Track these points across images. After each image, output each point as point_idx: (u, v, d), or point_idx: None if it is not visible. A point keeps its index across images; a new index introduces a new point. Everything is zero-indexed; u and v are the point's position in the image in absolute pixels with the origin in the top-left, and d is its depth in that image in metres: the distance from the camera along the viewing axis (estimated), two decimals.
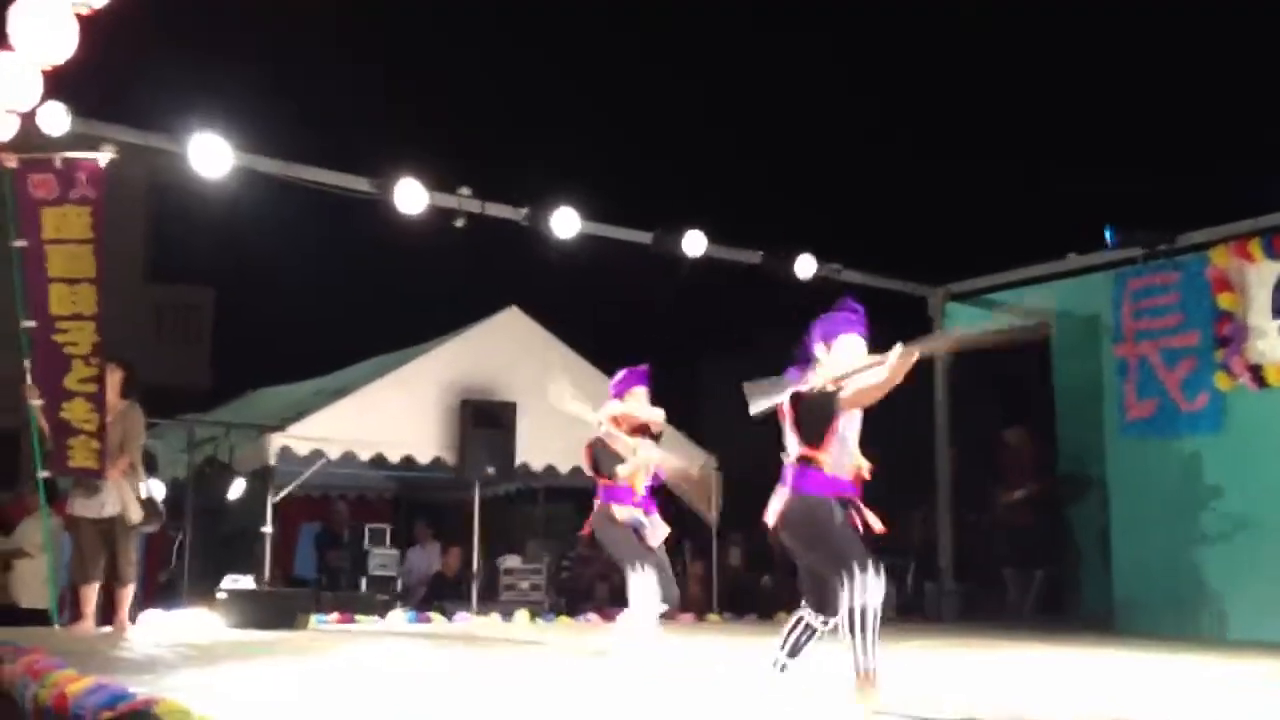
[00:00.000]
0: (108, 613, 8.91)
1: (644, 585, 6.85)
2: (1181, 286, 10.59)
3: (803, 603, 5.06)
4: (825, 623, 4.97)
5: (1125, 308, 11.00)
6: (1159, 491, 10.51)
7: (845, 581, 4.66)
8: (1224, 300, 10.24)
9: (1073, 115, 16.24)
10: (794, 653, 5.04)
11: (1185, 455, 10.38)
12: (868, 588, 4.64)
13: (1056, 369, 12.14)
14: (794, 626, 5.06)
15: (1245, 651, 8.40)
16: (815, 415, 4.96)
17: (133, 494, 8.88)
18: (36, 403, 8.66)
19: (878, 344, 5.07)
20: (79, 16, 6.81)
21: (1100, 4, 16.41)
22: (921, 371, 12.99)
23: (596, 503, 7.24)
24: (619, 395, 7.30)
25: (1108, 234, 11.08)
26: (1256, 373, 9.97)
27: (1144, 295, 10.89)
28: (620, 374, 7.39)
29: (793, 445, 5.02)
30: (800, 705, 4.96)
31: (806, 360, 5.18)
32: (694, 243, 11.59)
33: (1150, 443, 10.65)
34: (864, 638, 4.64)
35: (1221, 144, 13.58)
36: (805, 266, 12.16)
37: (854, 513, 4.98)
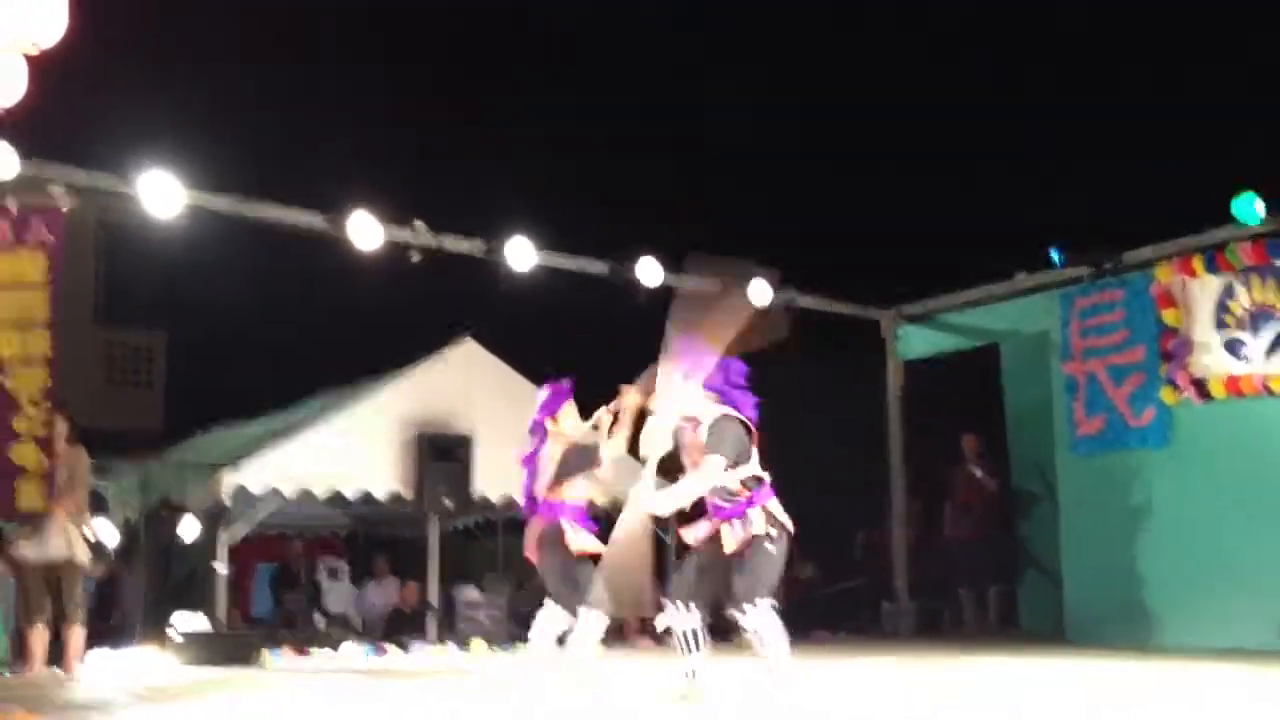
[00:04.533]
0: (58, 655, 8.81)
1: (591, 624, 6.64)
2: (1127, 304, 10.75)
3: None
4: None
5: (1073, 326, 11.14)
6: (1109, 506, 10.63)
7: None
8: (1168, 316, 10.39)
9: (1019, 138, 16.43)
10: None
11: (1134, 470, 10.51)
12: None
13: (1006, 388, 12.32)
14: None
15: (1196, 658, 8.50)
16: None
17: (79, 536, 8.80)
18: None
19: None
20: (26, 58, 6.78)
21: (1045, 28, 16.66)
22: (874, 392, 13.10)
23: (543, 522, 6.77)
24: (551, 415, 6.99)
25: (1054, 254, 11.24)
26: (1201, 386, 10.12)
27: (1091, 313, 11.03)
28: (544, 393, 7.07)
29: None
30: None
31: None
32: (650, 271, 11.63)
33: (1099, 458, 10.78)
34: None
35: (1164, 162, 13.77)
36: (761, 293, 12.21)
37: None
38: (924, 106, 17.63)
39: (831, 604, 13.21)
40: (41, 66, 6.88)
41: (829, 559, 13.88)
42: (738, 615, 5.66)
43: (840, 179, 18.03)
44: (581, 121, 19.51)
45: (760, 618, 5.60)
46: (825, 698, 6.05)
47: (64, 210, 8.78)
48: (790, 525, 5.79)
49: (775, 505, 5.82)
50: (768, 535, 5.69)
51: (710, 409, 5.87)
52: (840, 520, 14.02)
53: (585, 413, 7.03)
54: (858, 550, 13.98)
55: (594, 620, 6.61)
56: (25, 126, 7.64)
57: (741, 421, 5.80)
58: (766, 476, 5.82)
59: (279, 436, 11.69)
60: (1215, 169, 11.78)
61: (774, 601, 5.70)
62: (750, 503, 5.74)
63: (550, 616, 6.76)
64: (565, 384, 7.11)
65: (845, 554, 14.05)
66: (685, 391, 5.85)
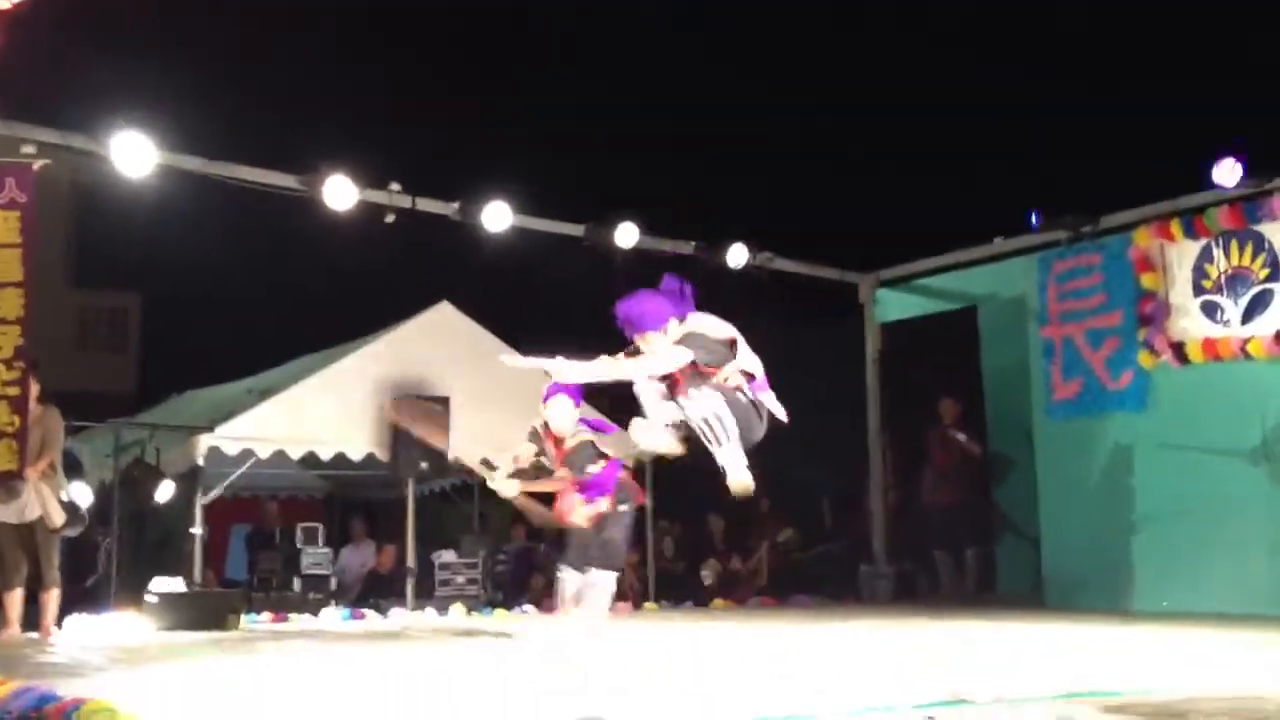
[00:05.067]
0: (33, 619, 8.76)
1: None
2: (1104, 268, 10.75)
3: None
4: None
5: (1050, 290, 11.14)
6: (1086, 470, 10.67)
7: None
8: (1146, 280, 10.40)
9: (995, 102, 16.42)
10: None
11: (1111, 433, 10.54)
12: None
13: (984, 351, 12.32)
14: None
15: (1172, 622, 8.56)
16: None
17: (54, 497, 8.76)
18: None
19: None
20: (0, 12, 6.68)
21: None
22: (851, 357, 13.12)
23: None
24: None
25: (1031, 218, 11.23)
26: (1179, 350, 10.14)
27: (1068, 277, 11.03)
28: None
29: None
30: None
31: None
32: (626, 234, 11.58)
33: (1077, 422, 10.80)
34: None
35: (1141, 126, 13.79)
36: (737, 256, 12.20)
37: None
38: (903, 71, 17.60)
39: (809, 568, 13.26)
40: (12, 23, 6.77)
41: (807, 523, 13.92)
42: None
43: (817, 143, 18.01)
44: (558, 85, 19.42)
45: None
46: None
47: (35, 168, 8.69)
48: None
49: None
50: None
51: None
52: (818, 485, 14.08)
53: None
54: (826, 515, 14.04)
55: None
56: None
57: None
58: None
59: (254, 398, 11.63)
60: (1193, 133, 11.81)
61: None
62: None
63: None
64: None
65: (823, 518, 14.11)
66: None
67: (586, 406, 7.44)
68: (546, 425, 7.23)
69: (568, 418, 7.17)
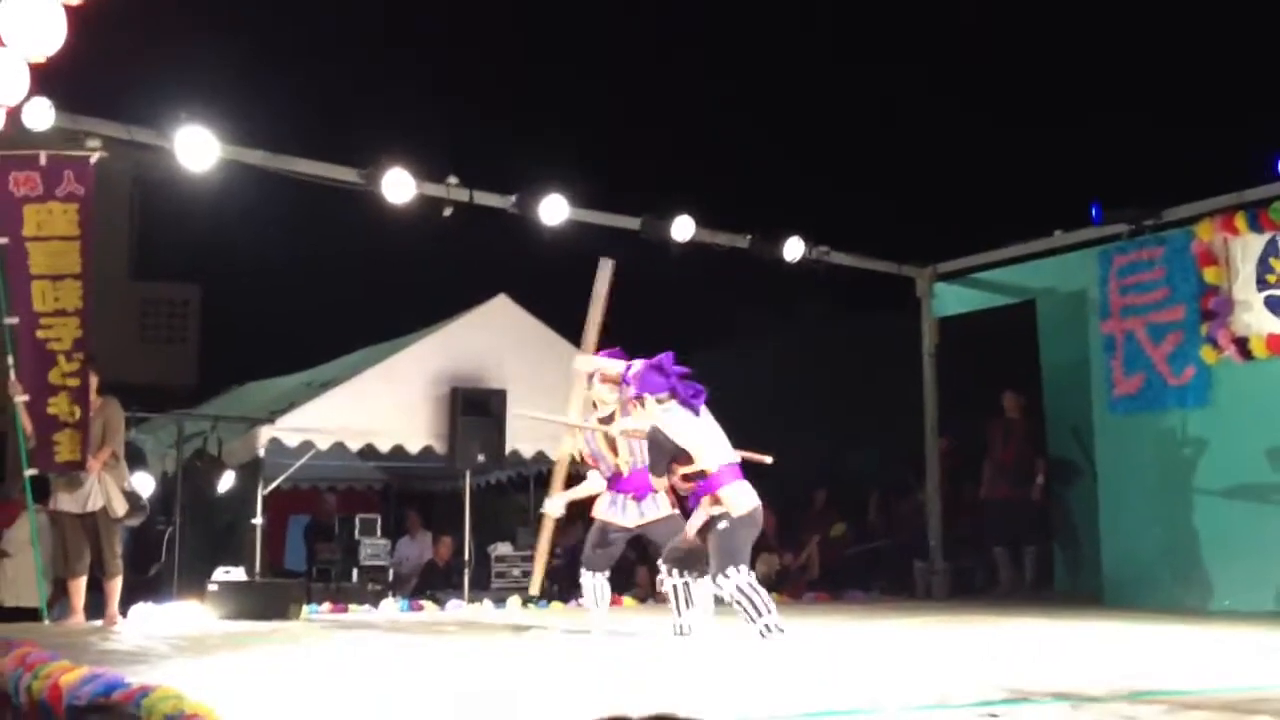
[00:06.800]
0: (97, 606, 8.90)
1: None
2: (1167, 261, 10.60)
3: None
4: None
5: (1111, 284, 11.01)
6: (1147, 466, 10.54)
7: None
8: (1209, 274, 10.25)
9: (1057, 92, 16.26)
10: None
11: (1172, 429, 10.40)
12: None
13: (1043, 346, 12.21)
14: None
15: (1234, 621, 8.45)
16: None
17: (116, 487, 8.88)
18: (21, 399, 8.70)
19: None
20: (66, 8, 6.77)
21: None
22: (909, 350, 13.09)
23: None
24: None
25: (1093, 211, 11.11)
26: (1242, 345, 9.99)
27: (1130, 271, 10.90)
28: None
29: None
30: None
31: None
32: (682, 227, 11.58)
33: (1138, 418, 10.67)
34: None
35: (1205, 117, 13.60)
36: (793, 249, 12.16)
37: None
38: (962, 62, 17.45)
39: (862, 563, 13.20)
40: (81, 17, 6.87)
41: (860, 517, 13.88)
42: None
43: (876, 136, 17.89)
44: (614, 78, 19.42)
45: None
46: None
47: (93, 161, 8.81)
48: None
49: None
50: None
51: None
52: (867, 480, 14.03)
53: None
54: (871, 510, 13.96)
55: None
56: (62, 77, 7.66)
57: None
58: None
59: (313, 390, 11.74)
60: (1259, 124, 11.62)
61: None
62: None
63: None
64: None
65: (868, 513, 14.03)
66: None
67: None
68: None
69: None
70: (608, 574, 7.85)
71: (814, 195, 16.66)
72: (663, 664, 5.99)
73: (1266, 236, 9.97)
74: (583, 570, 7.82)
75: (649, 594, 11.59)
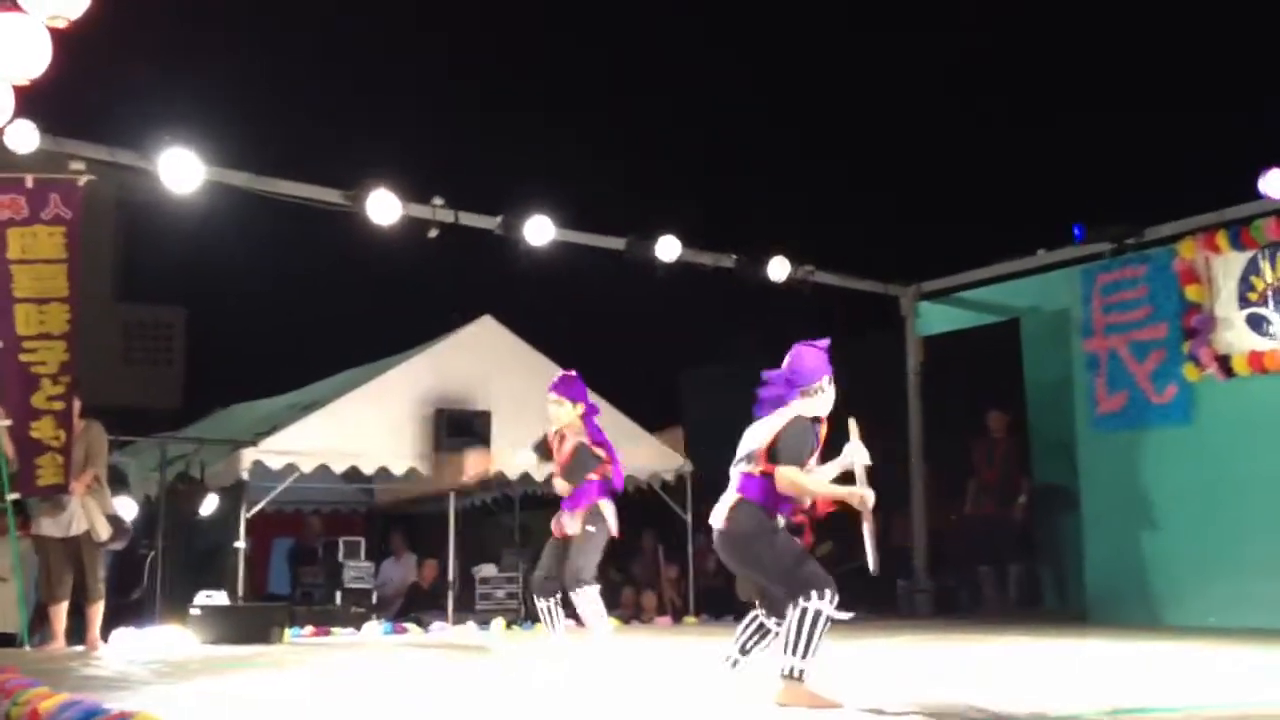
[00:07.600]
0: (79, 631, 8.84)
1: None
2: (1149, 280, 10.66)
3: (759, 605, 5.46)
4: (778, 624, 5.24)
5: (1094, 302, 11.06)
6: (1130, 483, 10.56)
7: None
8: (1191, 292, 10.30)
9: (1040, 113, 16.32)
10: (744, 651, 5.33)
11: (1156, 447, 10.43)
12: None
13: (1027, 364, 12.25)
14: (747, 626, 5.40)
15: (1218, 638, 8.45)
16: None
17: (99, 511, 8.83)
18: (3, 424, 8.64)
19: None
20: (51, 31, 6.75)
21: (1064, 4, 16.52)
22: (894, 369, 13.07)
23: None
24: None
25: (1075, 230, 11.17)
26: (1224, 363, 10.03)
27: (1113, 289, 10.95)
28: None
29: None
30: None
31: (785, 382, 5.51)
32: (667, 248, 11.61)
33: (1121, 435, 10.70)
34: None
35: (1187, 137, 13.66)
36: (778, 269, 12.20)
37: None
38: (942, 83, 17.52)
39: (847, 582, 13.15)
40: (65, 40, 6.85)
41: (847, 536, 13.83)
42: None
43: (859, 156, 17.94)
44: (600, 100, 19.46)
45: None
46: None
47: (81, 185, 8.79)
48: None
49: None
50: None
51: None
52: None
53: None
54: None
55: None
56: (47, 100, 7.64)
57: None
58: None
59: (297, 413, 11.70)
60: (1240, 143, 11.68)
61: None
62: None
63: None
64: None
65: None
66: None
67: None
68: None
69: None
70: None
71: (799, 215, 16.70)
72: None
73: (1248, 254, 10.03)
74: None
75: (634, 614, 11.56)
